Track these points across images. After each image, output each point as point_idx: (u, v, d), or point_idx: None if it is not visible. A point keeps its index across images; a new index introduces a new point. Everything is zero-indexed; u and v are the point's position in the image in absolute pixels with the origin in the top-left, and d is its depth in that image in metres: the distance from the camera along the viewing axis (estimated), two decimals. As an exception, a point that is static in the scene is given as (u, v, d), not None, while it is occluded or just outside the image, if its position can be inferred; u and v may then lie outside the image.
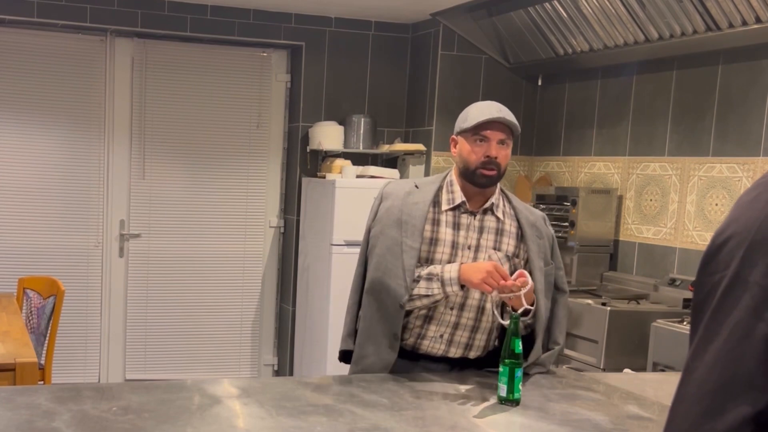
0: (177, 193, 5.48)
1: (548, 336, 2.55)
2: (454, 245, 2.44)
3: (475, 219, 2.47)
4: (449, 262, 2.43)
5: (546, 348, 2.54)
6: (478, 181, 2.42)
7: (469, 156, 2.41)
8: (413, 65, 5.55)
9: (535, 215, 2.55)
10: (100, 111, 5.31)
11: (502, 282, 2.25)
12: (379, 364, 2.45)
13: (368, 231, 2.56)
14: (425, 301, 2.41)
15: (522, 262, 2.50)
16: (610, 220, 4.57)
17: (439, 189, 2.51)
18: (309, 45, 5.42)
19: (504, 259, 2.45)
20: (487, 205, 2.48)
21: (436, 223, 2.46)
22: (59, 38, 5.20)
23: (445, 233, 2.45)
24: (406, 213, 2.45)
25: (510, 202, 2.55)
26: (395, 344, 2.44)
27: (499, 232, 2.48)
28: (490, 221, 2.48)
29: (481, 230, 2.47)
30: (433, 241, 2.45)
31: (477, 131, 2.39)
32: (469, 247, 2.46)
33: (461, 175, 2.47)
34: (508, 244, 2.48)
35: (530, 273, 2.43)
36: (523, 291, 2.28)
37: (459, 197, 2.47)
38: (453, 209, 2.47)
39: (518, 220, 2.50)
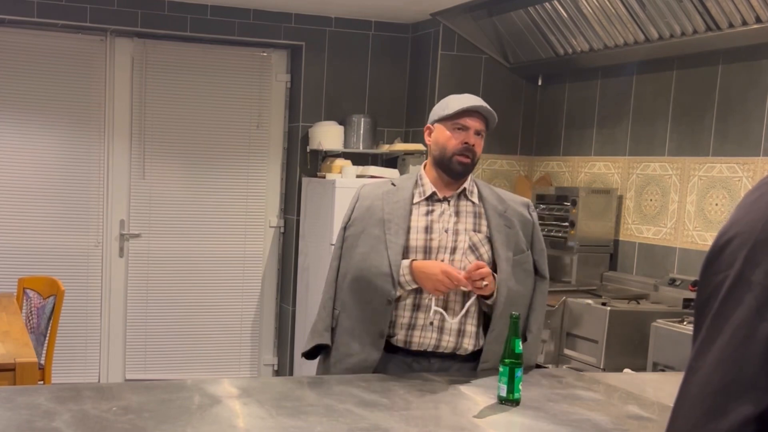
0: (177, 193, 5.48)
1: (525, 325, 2.55)
2: (428, 230, 2.49)
3: (449, 205, 2.52)
4: (424, 246, 2.48)
5: (523, 338, 2.54)
6: (454, 168, 2.48)
7: (447, 142, 2.48)
8: (413, 65, 5.55)
9: (505, 204, 2.57)
10: (100, 111, 5.31)
11: (456, 282, 2.34)
12: (364, 364, 2.46)
13: (344, 229, 2.61)
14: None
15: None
16: (610, 220, 4.57)
17: (414, 185, 2.57)
18: (309, 45, 5.42)
19: (485, 240, 2.50)
20: (459, 190, 2.53)
21: (410, 213, 2.52)
22: (59, 38, 5.20)
23: (418, 220, 2.50)
24: (388, 212, 2.51)
25: (480, 191, 2.57)
26: (380, 342, 2.45)
27: (477, 215, 2.53)
28: (466, 206, 2.54)
29: (457, 214, 2.51)
30: (408, 229, 2.49)
31: (457, 119, 2.47)
32: (446, 231, 2.50)
33: (436, 164, 2.53)
34: (487, 226, 2.52)
35: (496, 264, 2.47)
36: (483, 284, 2.35)
37: (429, 188, 2.54)
38: (425, 200, 2.53)
39: (485, 210, 2.53)
